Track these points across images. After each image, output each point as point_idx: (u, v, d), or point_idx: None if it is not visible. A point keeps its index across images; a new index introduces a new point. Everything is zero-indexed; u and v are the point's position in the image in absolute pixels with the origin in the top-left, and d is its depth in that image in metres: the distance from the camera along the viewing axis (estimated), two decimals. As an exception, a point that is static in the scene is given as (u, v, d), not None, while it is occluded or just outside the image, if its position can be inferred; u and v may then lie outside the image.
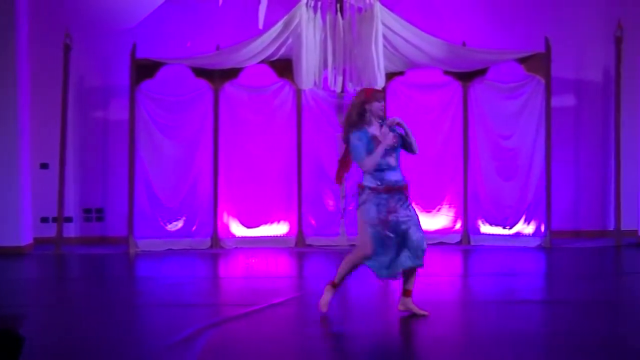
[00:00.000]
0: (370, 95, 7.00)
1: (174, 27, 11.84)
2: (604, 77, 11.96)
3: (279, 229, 11.67)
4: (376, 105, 6.91)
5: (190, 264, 10.57)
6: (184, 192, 11.55)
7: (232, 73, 11.43)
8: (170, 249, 11.31)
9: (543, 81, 11.23)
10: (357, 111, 6.89)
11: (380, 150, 6.76)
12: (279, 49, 11.18)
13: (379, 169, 6.83)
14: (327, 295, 7.12)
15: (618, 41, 11.32)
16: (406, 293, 7.16)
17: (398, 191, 6.88)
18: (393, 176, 6.87)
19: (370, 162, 6.78)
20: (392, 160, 6.86)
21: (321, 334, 6.75)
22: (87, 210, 12.05)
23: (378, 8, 10.86)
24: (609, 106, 11.85)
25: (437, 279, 9.24)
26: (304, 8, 10.87)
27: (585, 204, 12.13)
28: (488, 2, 12.04)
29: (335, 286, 7.13)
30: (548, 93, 11.21)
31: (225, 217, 11.60)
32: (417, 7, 11.84)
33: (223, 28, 11.74)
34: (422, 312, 7.09)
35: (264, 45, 11.08)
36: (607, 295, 8.37)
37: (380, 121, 6.92)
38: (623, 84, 11.42)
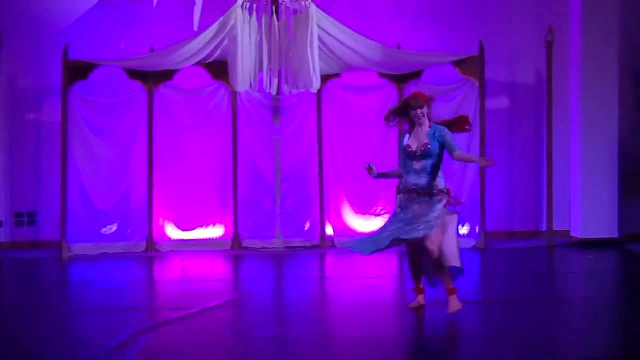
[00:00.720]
0: (408, 101, 7.22)
1: (108, 28, 11.69)
2: (536, 80, 12.15)
3: (214, 231, 11.60)
4: (412, 113, 7.12)
5: (125, 267, 10.46)
6: (119, 196, 11.42)
7: (166, 75, 11.34)
8: (105, 253, 11.16)
9: (477, 84, 11.36)
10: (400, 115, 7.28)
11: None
12: (214, 51, 11.12)
13: (406, 173, 7.20)
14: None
15: (549, 45, 11.51)
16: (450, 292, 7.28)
17: (417, 194, 7.09)
18: (413, 180, 7.11)
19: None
20: (416, 165, 7.12)
21: (257, 337, 6.72)
22: (19, 214, 11.82)
23: (313, 10, 10.86)
24: (541, 108, 12.04)
25: (374, 281, 9.28)
26: (239, 10, 10.83)
27: (518, 205, 12.30)
28: (423, 6, 12.13)
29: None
30: (482, 95, 11.35)
31: (160, 220, 11.49)
32: (353, 9, 11.89)
33: (158, 29, 11.64)
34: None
35: (199, 47, 11.01)
36: (539, 295, 8.51)
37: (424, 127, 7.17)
38: (554, 87, 11.60)
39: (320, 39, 10.99)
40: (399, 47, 11.53)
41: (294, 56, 10.95)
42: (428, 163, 7.11)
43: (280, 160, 11.63)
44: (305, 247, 11.50)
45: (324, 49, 11.14)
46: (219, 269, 10.59)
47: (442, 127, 7.17)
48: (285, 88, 11.05)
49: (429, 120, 7.19)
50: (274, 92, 11.11)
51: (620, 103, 11.54)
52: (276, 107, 11.64)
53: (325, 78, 11.33)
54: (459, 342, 6.46)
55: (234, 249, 11.48)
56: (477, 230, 11.44)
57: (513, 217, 12.30)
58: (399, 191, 7.34)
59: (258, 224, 11.64)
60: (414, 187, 7.13)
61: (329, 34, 11.08)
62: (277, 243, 11.49)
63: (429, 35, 11.97)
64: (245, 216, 11.62)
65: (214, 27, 10.92)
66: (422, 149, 7.07)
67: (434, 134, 7.13)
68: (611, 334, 6.93)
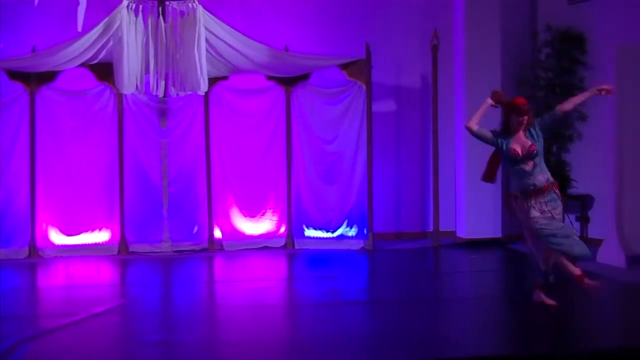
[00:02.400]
0: (510, 107, 7.29)
1: (-14, 27, 11.33)
2: (422, 83, 12.36)
3: (100, 236, 11.38)
4: (518, 119, 7.21)
5: (6, 274, 10.12)
6: (-1, 200, 11.08)
7: (49, 76, 11.07)
8: (-15, 260, 10.80)
9: (364, 87, 11.48)
10: (503, 120, 7.32)
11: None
12: (99, 52, 10.91)
13: (517, 177, 7.30)
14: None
15: (434, 49, 11.72)
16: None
17: (536, 193, 7.16)
18: (530, 181, 7.20)
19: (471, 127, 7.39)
20: (526, 167, 7.21)
21: (144, 343, 6.62)
22: None
23: (200, 12, 10.76)
24: (426, 111, 12.25)
25: (262, 284, 9.27)
26: (124, 11, 10.63)
27: (405, 206, 12.49)
28: (311, 9, 12.20)
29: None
30: (369, 98, 11.47)
31: (43, 225, 11.20)
32: (241, 11, 11.86)
33: (40, 29, 11.34)
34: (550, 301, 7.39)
35: (83, 48, 10.78)
36: (426, 294, 8.65)
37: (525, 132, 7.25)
38: (440, 90, 11.82)
39: (207, 41, 10.89)
40: (286, 50, 11.54)
41: (180, 58, 10.82)
42: (537, 161, 7.23)
43: (167, 163, 11.50)
44: (194, 251, 11.40)
45: (212, 51, 11.06)
46: (105, 274, 10.39)
47: (534, 124, 7.28)
48: (172, 90, 10.91)
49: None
50: (160, 94, 10.96)
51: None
52: (163, 109, 11.50)
53: (212, 80, 11.25)
54: (347, 342, 6.50)
55: (121, 254, 11.28)
56: (365, 231, 11.56)
57: (400, 218, 12.48)
58: (516, 197, 7.32)
59: (145, 227, 11.47)
60: (532, 188, 7.21)
61: (216, 36, 11.00)
62: (165, 247, 11.35)
63: (316, 38, 12.04)
64: (132, 220, 11.44)
65: (99, 28, 10.70)
66: (529, 150, 7.18)
67: (532, 132, 7.25)
68: (495, 330, 7.10)
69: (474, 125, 7.39)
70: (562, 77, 11.74)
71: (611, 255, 9.86)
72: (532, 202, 7.19)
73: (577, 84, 11.62)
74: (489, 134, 7.37)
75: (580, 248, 7.16)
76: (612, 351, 6.10)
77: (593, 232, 11.53)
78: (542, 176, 7.24)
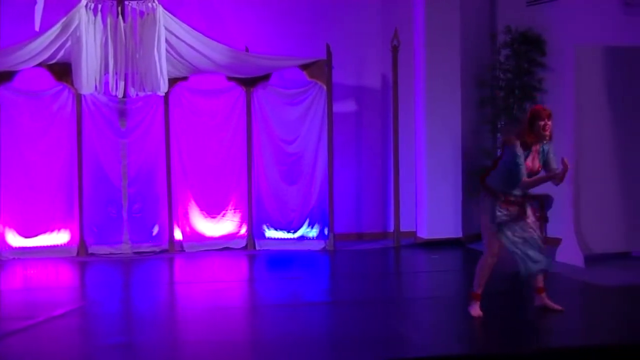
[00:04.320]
0: (535, 113, 7.09)
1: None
2: (383, 83, 12.40)
3: (59, 237, 11.26)
4: (539, 124, 7.01)
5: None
6: (-46, 202, 10.93)
7: (5, 76, 10.93)
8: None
9: (324, 87, 11.48)
10: (527, 128, 7.04)
11: (540, 178, 7.11)
12: (57, 52, 10.80)
13: (510, 181, 7.11)
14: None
15: (394, 49, 11.76)
16: (538, 290, 7.45)
17: (516, 204, 7.18)
18: (518, 192, 7.16)
19: (524, 182, 7.05)
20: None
21: (103, 346, 6.57)
22: None
23: (160, 12, 10.70)
24: (387, 112, 12.29)
25: (223, 285, 9.24)
26: (83, 10, 10.54)
27: (366, 207, 12.52)
28: (271, 9, 12.18)
29: None
30: (329, 99, 11.48)
31: (0, 226, 11.06)
32: (200, 12, 11.80)
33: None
34: (556, 307, 7.39)
35: (41, 47, 10.66)
36: (387, 294, 8.69)
37: (544, 141, 7.09)
38: (400, 90, 11.87)
39: (167, 41, 10.83)
40: (247, 50, 11.52)
41: (140, 58, 10.75)
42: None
43: (127, 163, 11.41)
44: (154, 252, 11.33)
45: (172, 52, 11.00)
46: (64, 277, 10.29)
47: (549, 144, 7.15)
48: (132, 91, 10.84)
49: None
50: (120, 94, 10.88)
51: (462, 105, 11.91)
52: (122, 110, 11.41)
53: (172, 81, 11.19)
54: (309, 343, 6.51)
55: (80, 256, 11.18)
56: (326, 232, 11.57)
57: (361, 218, 12.51)
58: (496, 195, 7.12)
59: (105, 229, 11.38)
60: (513, 199, 7.17)
61: (176, 36, 10.94)
62: (125, 248, 11.27)
63: (277, 38, 12.03)
64: (91, 221, 11.34)
65: (57, 27, 10.59)
66: (535, 171, 7.11)
67: (544, 149, 7.14)
68: (455, 330, 7.14)
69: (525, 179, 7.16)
70: (521, 78, 11.83)
71: (569, 255, 9.97)
72: (508, 207, 7.20)
73: (536, 85, 11.73)
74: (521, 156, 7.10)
75: (524, 268, 7.23)
76: (568, 350, 6.16)
77: (552, 232, 11.57)
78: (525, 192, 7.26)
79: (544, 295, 7.47)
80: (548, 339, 6.77)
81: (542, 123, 7.00)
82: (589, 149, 10.04)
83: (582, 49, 10.08)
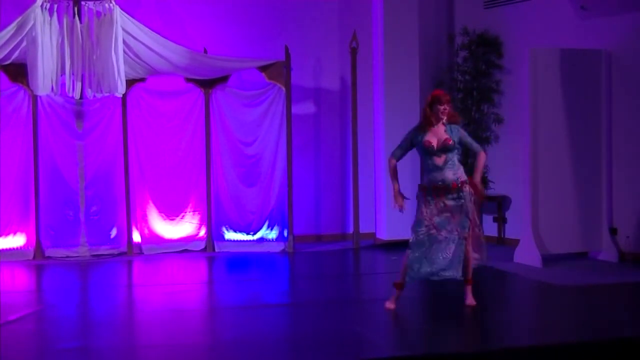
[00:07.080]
0: (433, 98, 7.52)
1: None
2: (341, 85, 12.42)
3: (15, 241, 11.12)
4: (439, 108, 7.44)
5: None
6: None
7: (-41, 77, 10.80)
8: None
9: (283, 89, 11.47)
10: (423, 113, 7.57)
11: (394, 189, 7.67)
12: (12, 52, 10.65)
13: (427, 170, 7.48)
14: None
15: (353, 51, 11.79)
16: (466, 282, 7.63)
17: (447, 190, 7.35)
18: (438, 176, 7.37)
19: (390, 162, 7.69)
20: (437, 160, 7.39)
21: (59, 350, 6.50)
22: None
23: (117, 13, 10.61)
24: (346, 114, 12.31)
25: (182, 287, 9.19)
26: (38, 10, 10.40)
27: (325, 208, 12.53)
28: (229, 10, 12.14)
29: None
30: (288, 100, 11.48)
31: (-46, 230, 10.92)
32: (159, 13, 11.73)
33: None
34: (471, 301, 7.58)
35: (-5, 48, 10.54)
36: (346, 295, 8.70)
37: (442, 122, 7.49)
38: (359, 92, 11.89)
39: (124, 42, 10.74)
40: (205, 52, 11.47)
41: (97, 59, 10.64)
42: (449, 156, 7.38)
43: (84, 165, 11.31)
44: (112, 255, 11.24)
45: (129, 53, 10.91)
46: (20, 280, 10.15)
47: (456, 126, 7.53)
48: (89, 92, 10.72)
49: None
50: (76, 96, 10.75)
51: (421, 107, 11.91)
52: (79, 111, 11.31)
53: (130, 82, 11.11)
54: (268, 345, 6.49)
55: (36, 259, 11.05)
56: (285, 234, 11.56)
57: (320, 220, 12.51)
58: (423, 188, 7.49)
59: (61, 232, 11.26)
60: (441, 182, 7.36)
61: (133, 37, 10.85)
62: (82, 251, 11.16)
63: (236, 40, 12.00)
64: (47, 224, 11.21)
65: (11, 27, 10.45)
66: (444, 143, 7.34)
67: (451, 130, 7.44)
68: (413, 331, 7.18)
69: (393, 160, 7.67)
70: (479, 80, 11.92)
71: (527, 255, 10.06)
72: (435, 199, 7.37)
73: (494, 87, 11.83)
74: (406, 142, 7.62)
75: (415, 271, 7.49)
76: (524, 349, 6.20)
77: (510, 233, 11.75)
78: (452, 173, 7.39)
79: (469, 287, 7.60)
80: (505, 338, 6.81)
81: (441, 107, 7.44)
82: (545, 151, 10.14)
83: (538, 51, 10.19)
